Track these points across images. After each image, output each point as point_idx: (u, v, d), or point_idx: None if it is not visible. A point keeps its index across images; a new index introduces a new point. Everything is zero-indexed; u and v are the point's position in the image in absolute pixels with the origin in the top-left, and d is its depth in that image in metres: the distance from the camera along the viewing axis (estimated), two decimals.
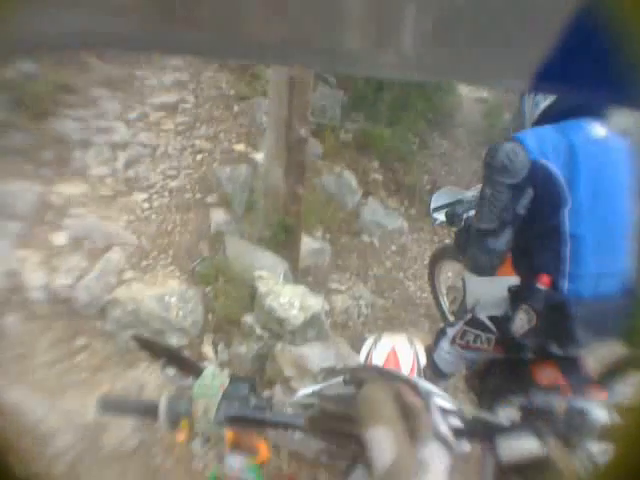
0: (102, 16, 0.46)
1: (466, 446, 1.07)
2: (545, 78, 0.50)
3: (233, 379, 1.16)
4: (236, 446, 1.15)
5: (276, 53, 0.57)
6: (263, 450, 1.19)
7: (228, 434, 1.15)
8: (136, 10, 0.46)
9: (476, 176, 8.51)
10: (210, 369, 1.17)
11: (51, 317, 3.84)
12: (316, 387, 1.39)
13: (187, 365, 1.23)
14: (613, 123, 2.35)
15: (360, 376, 1.14)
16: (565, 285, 2.24)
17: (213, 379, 1.14)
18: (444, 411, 1.10)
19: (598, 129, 2.27)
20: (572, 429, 1.18)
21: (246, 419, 1.11)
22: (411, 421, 0.94)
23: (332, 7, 0.47)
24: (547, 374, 2.37)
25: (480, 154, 9.39)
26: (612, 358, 2.29)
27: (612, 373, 2.28)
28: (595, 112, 2.30)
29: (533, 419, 1.16)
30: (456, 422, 1.10)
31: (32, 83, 5.34)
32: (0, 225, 4.15)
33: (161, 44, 0.57)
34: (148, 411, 1.18)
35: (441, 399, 1.18)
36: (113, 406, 1.27)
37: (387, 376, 1.14)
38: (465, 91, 13.16)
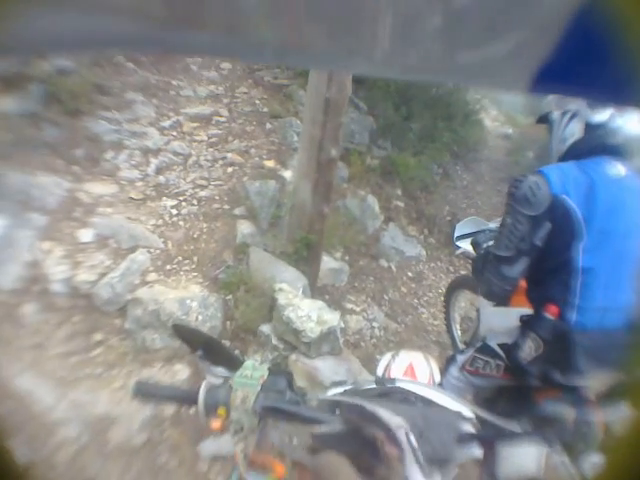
0: (103, 16, 0.47)
1: (478, 452, 1.16)
2: (545, 79, 0.51)
3: (272, 372, 1.26)
4: (253, 465, 1.24)
5: (276, 53, 0.58)
6: (279, 469, 1.29)
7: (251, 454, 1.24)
8: (136, 10, 0.47)
9: (495, 211, 8.55)
10: (251, 362, 1.27)
11: (70, 310, 3.91)
12: (347, 387, 1.48)
13: (226, 356, 1.33)
14: (633, 163, 2.45)
15: (349, 415, 1.22)
16: (572, 316, 2.32)
17: (254, 371, 1.24)
18: (462, 418, 1.20)
19: (618, 168, 2.36)
20: (579, 437, 1.26)
21: (280, 411, 1.20)
22: (385, 469, 1.02)
23: (331, 7, 0.48)
24: (550, 400, 2.45)
25: (501, 190, 9.43)
26: (611, 384, 2.35)
27: (610, 397, 2.35)
28: (617, 152, 2.40)
29: (543, 426, 1.25)
30: (469, 428, 1.18)
31: (67, 79, 5.47)
32: (27, 216, 4.22)
33: (162, 44, 0.58)
34: (186, 398, 1.28)
35: (459, 406, 1.27)
36: (149, 391, 1.37)
37: (374, 421, 1.17)
38: (491, 127, 13.18)
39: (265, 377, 1.23)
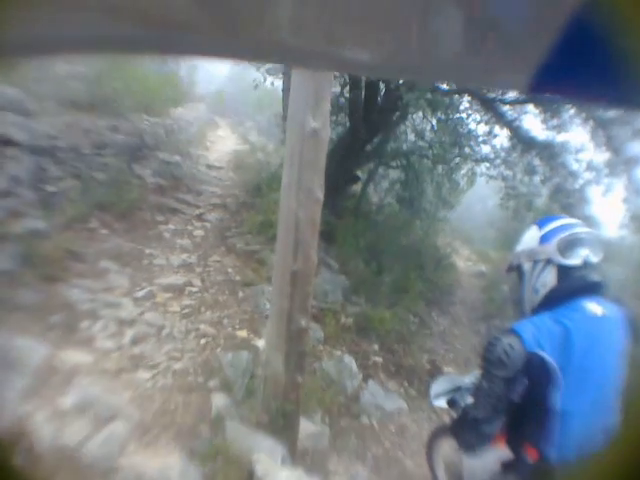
0: (103, 18, 0.48)
1: None
2: (545, 79, 0.51)
3: None
4: None
5: (276, 53, 0.59)
6: None
7: None
8: (137, 12, 0.47)
9: (474, 352, 8.59)
10: None
11: (56, 472, 3.83)
12: None
13: None
14: (610, 296, 2.47)
15: None
16: (553, 454, 2.28)
17: None
18: None
19: (594, 308, 2.35)
20: None
21: None
22: None
23: (333, 9, 0.48)
24: None
25: (479, 329, 9.53)
26: None
27: None
28: (593, 291, 2.41)
29: None
30: None
31: (41, 243, 5.57)
32: (8, 378, 4.17)
33: (162, 45, 0.58)
34: None
35: None
36: None
37: None
38: (463, 267, 13.39)
39: None
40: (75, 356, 4.82)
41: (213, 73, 27.99)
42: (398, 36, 0.51)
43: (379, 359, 7.37)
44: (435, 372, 7.55)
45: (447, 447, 4.67)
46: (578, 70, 0.50)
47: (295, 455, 4.80)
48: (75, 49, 0.69)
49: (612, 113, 9.01)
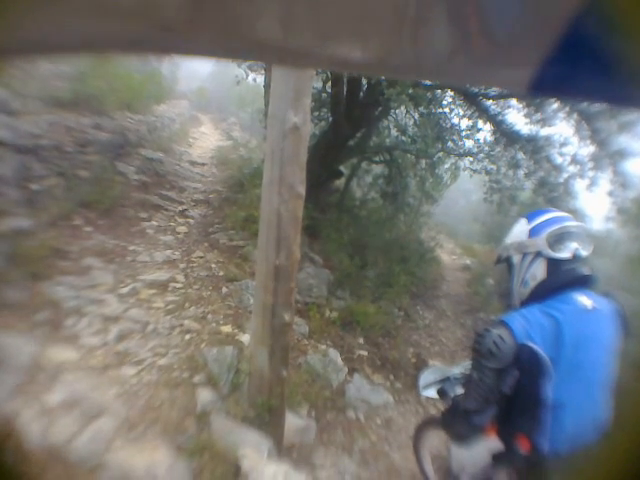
0: (106, 19, 0.48)
1: None
2: (545, 79, 0.51)
3: None
4: None
5: (276, 53, 0.58)
6: None
7: None
8: (138, 13, 0.48)
9: (460, 345, 8.62)
10: None
11: (44, 469, 3.84)
12: None
13: None
14: (599, 289, 2.47)
15: None
16: (545, 446, 2.30)
17: None
18: None
19: (584, 300, 2.36)
20: None
21: None
22: None
23: (325, 9, 0.48)
24: None
25: (464, 323, 9.55)
26: None
27: None
28: (583, 283, 2.42)
29: None
30: None
31: (25, 241, 5.57)
32: None
33: (163, 46, 0.59)
34: None
35: None
36: None
37: None
38: (448, 261, 13.43)
39: None
40: (61, 353, 4.82)
41: (195, 70, 27.94)
42: (397, 37, 0.52)
43: (364, 353, 7.40)
44: (421, 365, 7.57)
45: (434, 439, 4.69)
46: (578, 70, 0.51)
47: (281, 449, 4.82)
48: (78, 50, 0.70)
49: (597, 106, 9.03)
